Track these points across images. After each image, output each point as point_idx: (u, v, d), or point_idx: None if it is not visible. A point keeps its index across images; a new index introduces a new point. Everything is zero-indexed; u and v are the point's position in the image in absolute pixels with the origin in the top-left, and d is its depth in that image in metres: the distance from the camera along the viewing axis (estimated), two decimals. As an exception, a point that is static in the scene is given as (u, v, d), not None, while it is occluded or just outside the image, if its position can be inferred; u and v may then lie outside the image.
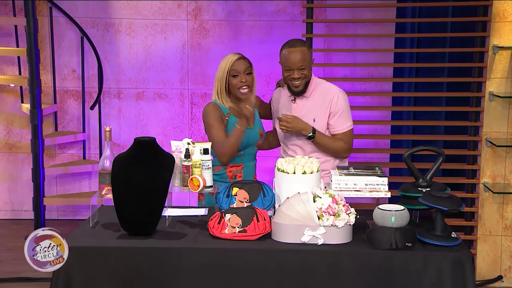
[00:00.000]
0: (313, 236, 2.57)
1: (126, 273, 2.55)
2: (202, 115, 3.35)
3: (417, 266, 2.52)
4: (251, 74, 3.33)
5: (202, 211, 3.05)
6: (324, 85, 3.41)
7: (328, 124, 3.36)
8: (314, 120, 3.34)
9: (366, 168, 2.93)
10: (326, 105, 3.34)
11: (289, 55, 3.26)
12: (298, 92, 3.33)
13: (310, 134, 3.29)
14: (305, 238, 2.57)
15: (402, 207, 2.62)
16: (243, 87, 3.30)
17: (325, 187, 2.81)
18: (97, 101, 5.38)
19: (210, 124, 3.28)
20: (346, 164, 3.45)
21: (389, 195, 2.79)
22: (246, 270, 2.54)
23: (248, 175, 3.36)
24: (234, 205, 2.81)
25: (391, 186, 2.87)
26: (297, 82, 3.29)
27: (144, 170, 2.68)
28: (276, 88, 3.63)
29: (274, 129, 3.57)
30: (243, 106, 3.24)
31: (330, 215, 2.56)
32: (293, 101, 3.39)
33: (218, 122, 3.27)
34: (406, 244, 2.54)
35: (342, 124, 3.35)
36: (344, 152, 3.38)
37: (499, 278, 4.40)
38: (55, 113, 5.55)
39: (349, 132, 3.38)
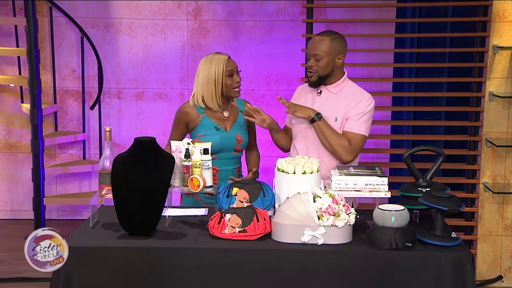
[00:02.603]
0: (313, 236, 2.57)
1: (126, 273, 2.55)
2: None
3: (417, 266, 2.52)
4: (239, 72, 3.38)
5: (202, 211, 3.05)
6: (355, 89, 3.28)
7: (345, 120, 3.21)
8: (336, 120, 3.19)
9: (366, 168, 2.92)
10: (352, 105, 3.19)
11: (310, 41, 3.25)
12: (311, 83, 3.23)
13: (314, 116, 3.14)
14: (305, 238, 2.57)
15: (402, 207, 2.62)
16: (237, 89, 3.35)
17: (325, 187, 2.81)
18: (97, 101, 5.38)
19: (173, 124, 3.39)
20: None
21: (389, 195, 2.78)
22: (246, 270, 2.54)
23: (225, 179, 3.29)
24: (234, 205, 2.80)
25: (391, 186, 2.86)
26: (310, 73, 3.20)
27: (144, 170, 2.68)
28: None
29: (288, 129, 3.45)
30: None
31: (330, 215, 2.56)
32: (319, 94, 3.26)
33: (178, 127, 3.36)
34: (406, 244, 2.54)
35: (355, 124, 3.18)
36: (345, 152, 3.14)
37: (499, 278, 4.40)
38: (55, 113, 5.55)
39: (358, 136, 3.17)
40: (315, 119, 3.16)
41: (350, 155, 3.18)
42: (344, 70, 3.31)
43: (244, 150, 3.48)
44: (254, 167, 3.49)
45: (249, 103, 3.51)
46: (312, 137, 3.24)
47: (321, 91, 3.27)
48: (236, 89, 3.34)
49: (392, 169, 4.86)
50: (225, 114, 3.37)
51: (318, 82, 3.23)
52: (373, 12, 5.09)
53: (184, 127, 3.38)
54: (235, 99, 3.43)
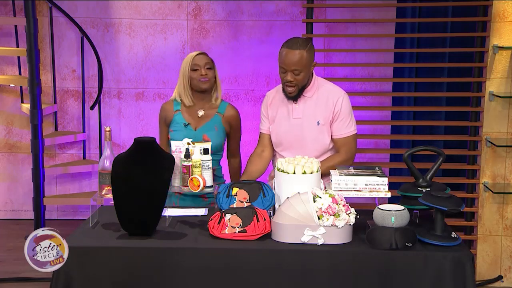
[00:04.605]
0: (313, 236, 2.57)
1: (126, 273, 2.55)
2: None
3: (417, 266, 2.52)
4: (212, 69, 3.38)
5: (202, 211, 3.05)
6: (327, 86, 3.27)
7: (330, 128, 3.23)
8: (318, 123, 3.20)
9: (366, 168, 2.92)
10: (330, 108, 3.20)
11: (285, 55, 3.11)
12: (292, 98, 3.20)
13: None
14: (305, 238, 2.57)
15: (402, 207, 2.62)
16: (203, 79, 3.34)
17: (325, 187, 2.81)
18: (97, 101, 5.38)
19: (158, 124, 3.50)
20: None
21: (389, 195, 2.78)
22: (246, 270, 2.54)
23: None
24: (234, 205, 2.80)
25: (391, 186, 2.86)
26: (290, 88, 3.15)
27: (144, 170, 2.68)
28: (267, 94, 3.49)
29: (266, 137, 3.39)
30: None
31: (330, 215, 2.56)
32: (295, 102, 3.24)
33: (161, 127, 3.46)
34: (406, 244, 2.54)
35: (344, 129, 3.21)
36: (345, 163, 3.15)
37: (499, 278, 4.40)
38: (55, 113, 5.55)
39: (351, 138, 3.23)
40: None
41: (349, 160, 3.22)
42: (313, 70, 3.27)
43: (224, 154, 3.49)
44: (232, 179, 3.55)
45: (234, 108, 3.49)
46: (297, 144, 3.23)
47: (296, 99, 3.24)
48: (202, 79, 3.34)
49: (392, 169, 4.86)
50: (200, 113, 3.40)
51: (298, 95, 3.20)
52: (373, 12, 5.09)
53: (164, 124, 3.45)
54: (219, 100, 3.43)
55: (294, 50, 3.09)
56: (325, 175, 3.07)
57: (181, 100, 3.41)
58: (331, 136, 3.24)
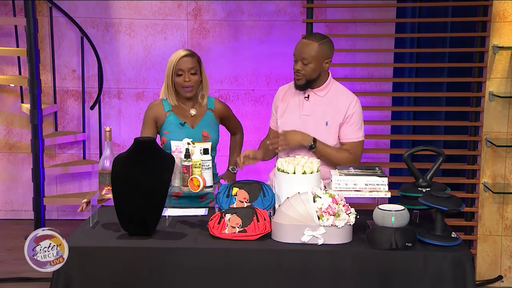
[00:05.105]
0: (313, 236, 2.57)
1: (126, 273, 2.55)
2: None
3: (417, 266, 2.52)
4: (196, 74, 3.29)
5: (202, 211, 3.05)
6: (341, 89, 3.27)
7: (339, 131, 3.23)
8: (326, 124, 3.20)
9: (366, 168, 2.92)
10: (341, 110, 3.20)
11: (298, 44, 3.19)
12: (298, 87, 3.22)
13: (310, 144, 3.14)
14: (305, 238, 2.57)
15: (402, 207, 2.62)
16: (187, 87, 3.28)
17: (325, 187, 2.81)
18: (97, 101, 5.38)
19: (142, 122, 3.43)
20: None
21: (389, 195, 2.78)
22: (246, 270, 2.54)
23: None
24: (234, 205, 2.81)
25: (391, 186, 2.86)
26: (297, 76, 3.18)
27: (144, 170, 2.68)
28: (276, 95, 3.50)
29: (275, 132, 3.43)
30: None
31: (330, 215, 2.56)
32: (306, 98, 3.25)
33: (147, 123, 3.39)
34: (406, 244, 2.54)
35: (353, 133, 3.21)
36: (349, 163, 3.10)
37: (499, 278, 4.40)
38: (55, 113, 5.55)
39: (358, 144, 3.22)
40: (313, 146, 3.15)
41: (354, 163, 3.19)
42: (329, 71, 3.28)
43: (216, 150, 3.45)
44: (232, 162, 3.51)
45: (221, 101, 3.48)
46: None
47: (308, 95, 3.25)
48: (185, 89, 3.29)
49: (392, 169, 4.86)
50: (192, 112, 3.36)
51: (305, 85, 3.22)
52: (373, 12, 5.09)
53: (153, 123, 3.38)
54: (206, 97, 3.39)
55: (307, 40, 3.17)
56: (322, 155, 3.14)
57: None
58: (339, 138, 3.25)
